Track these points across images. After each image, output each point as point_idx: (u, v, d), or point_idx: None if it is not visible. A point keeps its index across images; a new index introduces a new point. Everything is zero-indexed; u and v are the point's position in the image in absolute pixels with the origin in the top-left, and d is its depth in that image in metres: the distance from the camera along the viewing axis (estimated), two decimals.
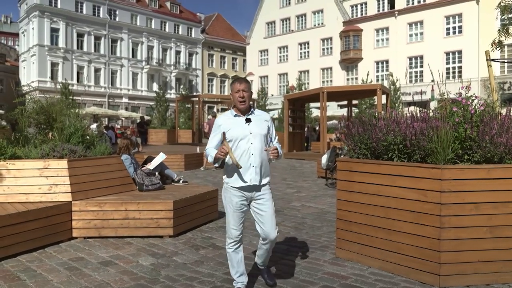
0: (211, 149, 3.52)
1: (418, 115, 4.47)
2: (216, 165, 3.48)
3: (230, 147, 3.38)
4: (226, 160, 3.46)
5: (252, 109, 3.56)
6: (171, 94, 51.37)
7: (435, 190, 3.80)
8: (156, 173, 6.89)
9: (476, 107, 4.30)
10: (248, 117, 3.49)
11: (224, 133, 3.43)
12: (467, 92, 4.33)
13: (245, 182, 3.44)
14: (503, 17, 10.12)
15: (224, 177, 3.59)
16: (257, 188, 3.48)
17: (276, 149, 3.42)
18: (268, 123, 3.57)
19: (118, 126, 36.46)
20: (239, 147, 3.42)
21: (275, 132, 3.69)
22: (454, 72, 36.16)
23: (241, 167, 3.33)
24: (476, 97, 4.36)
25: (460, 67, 35.99)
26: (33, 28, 46.21)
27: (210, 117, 19.36)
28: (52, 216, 5.13)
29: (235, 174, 3.47)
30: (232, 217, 3.52)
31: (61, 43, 46.56)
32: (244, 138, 3.41)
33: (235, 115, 3.51)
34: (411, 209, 3.97)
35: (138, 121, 25.52)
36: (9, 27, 72.24)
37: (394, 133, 4.31)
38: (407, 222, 4.01)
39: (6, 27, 72.40)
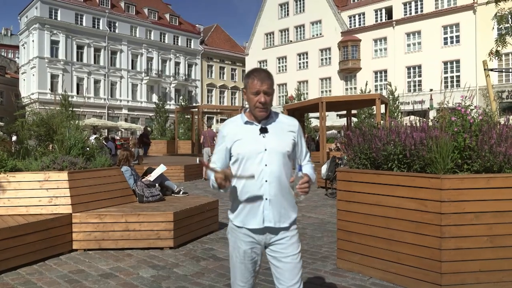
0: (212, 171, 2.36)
1: (418, 124, 4.50)
2: (222, 191, 2.33)
3: (235, 173, 2.36)
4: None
5: (271, 114, 2.46)
6: (171, 105, 51.43)
7: (435, 200, 3.81)
8: (156, 184, 6.89)
9: (475, 116, 4.32)
10: (264, 126, 2.41)
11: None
12: (465, 101, 4.36)
13: (255, 222, 2.37)
14: (500, 26, 10.20)
15: (229, 211, 2.53)
16: (273, 231, 2.39)
17: (308, 180, 2.24)
18: (294, 135, 2.46)
19: (118, 137, 36.48)
20: (246, 169, 2.35)
21: (305, 143, 2.58)
22: (452, 81, 36.26)
23: (253, 177, 2.30)
24: (475, 106, 4.38)
25: (458, 76, 36.10)
26: (33, 41, 46.39)
27: (206, 127, 19.34)
28: (52, 228, 5.12)
29: (241, 207, 2.40)
30: (239, 269, 2.44)
31: (61, 55, 46.70)
32: (254, 157, 2.34)
33: (246, 122, 2.43)
34: (412, 219, 3.98)
35: (142, 132, 25.41)
36: (9, 39, 72.59)
37: (393, 143, 4.33)
38: (407, 232, 4.01)
39: (6, 40, 72.76)
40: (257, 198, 2.35)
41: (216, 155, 2.50)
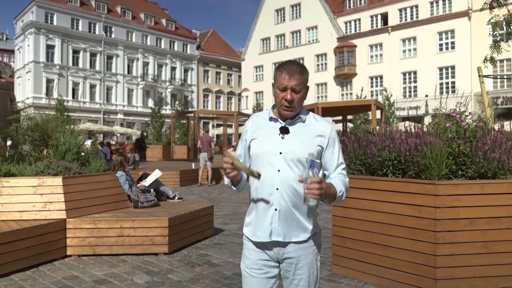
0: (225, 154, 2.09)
1: (413, 130, 4.51)
2: (234, 188, 2.18)
3: (248, 166, 2.12)
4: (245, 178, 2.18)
5: (299, 114, 2.14)
6: (167, 110, 51.43)
7: (429, 206, 3.81)
8: (152, 189, 6.87)
9: (470, 122, 4.34)
10: (287, 125, 2.11)
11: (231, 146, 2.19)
12: (460, 108, 4.38)
13: (261, 235, 2.08)
14: (495, 33, 10.27)
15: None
16: (282, 245, 2.07)
17: (319, 181, 1.85)
18: (323, 140, 2.11)
19: (113, 142, 36.40)
20: (260, 171, 2.00)
21: (339, 153, 2.18)
22: (448, 87, 36.44)
23: (259, 176, 1.94)
24: (470, 113, 4.40)
25: (453, 82, 36.29)
26: (28, 45, 46.30)
27: (203, 132, 19.32)
28: (46, 234, 5.09)
29: (252, 214, 2.14)
30: (250, 285, 2.13)
31: (56, 59, 46.62)
32: (267, 159, 2.06)
33: (271, 118, 2.16)
34: (407, 225, 3.98)
35: (139, 137, 25.30)
36: (5, 43, 72.39)
37: (388, 149, 4.34)
38: (402, 238, 4.01)
39: (1, 44, 72.57)
40: (266, 207, 2.05)
41: (237, 151, 2.27)
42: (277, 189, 2.02)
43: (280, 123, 2.11)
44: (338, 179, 2.10)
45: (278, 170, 2.02)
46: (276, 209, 2.03)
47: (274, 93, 2.11)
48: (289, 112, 2.06)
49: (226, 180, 2.13)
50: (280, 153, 2.04)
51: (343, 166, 2.17)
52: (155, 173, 7.26)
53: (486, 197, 3.82)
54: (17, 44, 51.31)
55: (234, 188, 2.15)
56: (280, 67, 2.08)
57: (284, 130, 2.09)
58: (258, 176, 1.92)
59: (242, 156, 2.22)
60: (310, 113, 2.19)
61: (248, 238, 2.14)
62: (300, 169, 2.02)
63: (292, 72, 2.03)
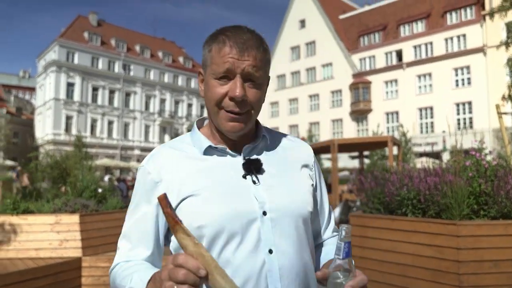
0: (121, 267, 1.13)
1: (431, 167, 4.45)
2: None
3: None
4: None
5: (259, 131, 1.25)
6: None
7: (452, 247, 3.71)
8: None
9: (490, 160, 4.27)
10: (252, 156, 1.19)
11: (169, 218, 0.89)
12: (479, 145, 4.32)
13: None
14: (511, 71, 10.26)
15: None
16: None
17: (365, 284, 0.98)
18: (310, 173, 1.26)
19: (130, 178, 36.67)
20: (224, 268, 0.93)
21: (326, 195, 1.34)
22: (465, 123, 36.18)
23: None
24: (490, 151, 4.34)
25: (471, 118, 36.03)
26: (50, 83, 47.58)
27: None
28: (61, 272, 5.06)
29: None
30: None
31: (76, 96, 47.74)
32: (240, 234, 1.07)
33: (210, 149, 1.17)
34: (428, 266, 3.87)
35: None
36: (27, 81, 74.57)
37: (407, 188, 4.27)
38: (424, 280, 3.89)
39: (24, 82, 74.75)
40: None
41: (131, 228, 1.17)
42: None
43: (232, 155, 1.17)
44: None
45: (270, 251, 1.07)
46: None
47: (206, 88, 1.16)
48: (239, 124, 1.13)
49: None
50: (264, 213, 1.09)
51: (332, 215, 1.36)
52: None
53: (510, 238, 3.70)
54: (38, 81, 52.79)
55: None
56: (220, 34, 1.13)
57: (252, 167, 1.14)
58: None
59: (151, 243, 1.16)
60: (269, 129, 1.32)
61: None
62: (303, 236, 1.14)
63: (245, 43, 1.10)
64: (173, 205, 1.08)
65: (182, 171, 1.13)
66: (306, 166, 1.25)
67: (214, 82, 1.11)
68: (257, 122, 1.26)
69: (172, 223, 0.88)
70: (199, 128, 1.24)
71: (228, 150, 1.16)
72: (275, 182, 1.15)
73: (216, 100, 1.11)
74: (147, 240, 1.15)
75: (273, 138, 1.27)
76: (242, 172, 1.13)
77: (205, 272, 0.84)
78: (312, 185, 1.24)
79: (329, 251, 1.22)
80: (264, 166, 1.16)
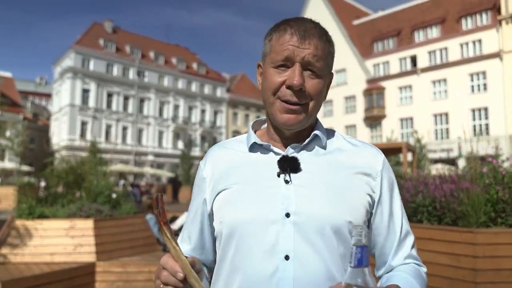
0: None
1: (446, 173, 4.39)
2: None
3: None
4: None
5: (316, 130, 1.13)
6: (196, 152, 52.05)
7: (468, 255, 3.64)
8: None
9: (507, 167, 4.20)
10: (293, 154, 1.09)
11: (162, 226, 0.91)
12: (495, 152, 4.26)
13: None
14: None
15: None
16: None
17: None
18: (372, 184, 1.09)
19: (143, 183, 36.90)
20: (237, 269, 1.02)
21: (402, 213, 1.15)
22: (481, 129, 35.72)
23: None
24: (507, 158, 4.27)
25: (487, 124, 35.57)
26: (66, 89, 48.22)
27: None
28: (75, 277, 5.10)
29: None
30: None
31: (91, 102, 48.28)
32: (257, 236, 1.01)
33: (254, 147, 1.14)
34: (445, 274, 3.80)
35: (173, 178, 25.92)
36: (44, 87, 75.76)
37: (422, 194, 4.22)
38: None
39: (40, 88, 75.96)
40: None
41: (187, 222, 1.23)
42: None
43: (275, 152, 1.10)
44: (408, 274, 1.06)
45: (286, 257, 0.98)
46: None
47: (263, 79, 1.11)
48: (295, 117, 1.05)
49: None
50: (287, 215, 1.00)
51: (412, 239, 1.15)
52: (184, 216, 7.25)
53: None
54: (55, 88, 53.52)
55: None
56: (282, 23, 1.13)
57: (288, 166, 1.06)
58: None
59: (197, 231, 1.19)
60: (334, 131, 1.21)
61: None
62: (333, 249, 1.00)
63: (307, 31, 1.08)
64: (211, 199, 1.12)
65: (224, 166, 1.13)
66: (366, 174, 1.09)
67: (272, 70, 1.07)
68: (317, 121, 1.17)
69: (160, 225, 0.91)
70: (253, 129, 1.19)
71: (272, 147, 1.11)
72: (311, 183, 1.04)
73: (273, 89, 1.06)
74: (193, 234, 1.20)
75: (332, 140, 1.16)
76: (276, 170, 1.06)
77: (182, 276, 0.87)
78: (371, 196, 1.08)
79: (390, 278, 1.07)
80: (303, 166, 1.06)
